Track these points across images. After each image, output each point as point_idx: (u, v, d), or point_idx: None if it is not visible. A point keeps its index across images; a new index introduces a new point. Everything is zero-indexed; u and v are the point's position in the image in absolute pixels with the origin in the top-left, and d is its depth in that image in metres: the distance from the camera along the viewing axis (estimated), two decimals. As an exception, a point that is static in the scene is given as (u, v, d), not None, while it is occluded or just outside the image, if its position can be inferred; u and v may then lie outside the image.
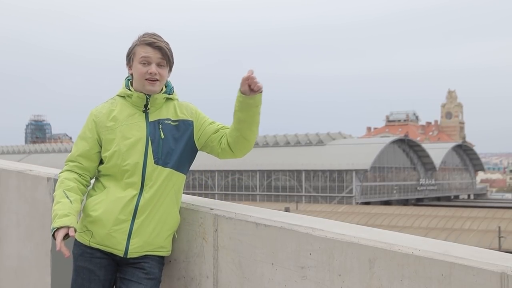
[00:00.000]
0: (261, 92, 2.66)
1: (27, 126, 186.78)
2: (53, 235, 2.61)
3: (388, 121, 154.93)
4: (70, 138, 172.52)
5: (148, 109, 2.77)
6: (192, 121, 2.83)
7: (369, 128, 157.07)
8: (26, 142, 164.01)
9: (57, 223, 2.60)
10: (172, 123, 2.79)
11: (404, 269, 2.15)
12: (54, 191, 2.78)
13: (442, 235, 34.23)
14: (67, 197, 2.69)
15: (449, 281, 2.04)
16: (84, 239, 2.75)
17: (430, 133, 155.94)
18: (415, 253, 2.13)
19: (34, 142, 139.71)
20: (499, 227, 33.15)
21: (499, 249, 29.04)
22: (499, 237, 31.96)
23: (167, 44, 2.79)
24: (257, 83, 2.63)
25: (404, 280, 2.14)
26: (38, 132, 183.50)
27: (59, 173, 2.84)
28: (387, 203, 61.95)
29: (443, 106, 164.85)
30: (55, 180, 3.61)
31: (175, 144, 2.76)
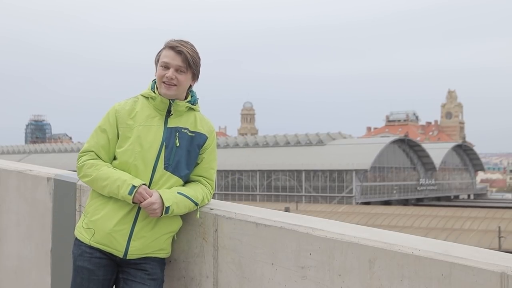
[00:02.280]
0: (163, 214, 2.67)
1: (27, 126, 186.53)
2: (134, 192, 2.62)
3: (388, 121, 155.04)
4: (70, 138, 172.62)
5: (171, 114, 2.76)
6: (207, 138, 2.84)
7: (369, 128, 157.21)
8: (26, 142, 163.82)
9: (136, 182, 2.64)
10: (189, 134, 2.78)
11: (404, 269, 2.15)
12: (54, 191, 2.77)
13: (442, 235, 34.20)
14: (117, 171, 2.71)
15: (449, 281, 2.04)
16: (85, 238, 2.75)
17: (430, 133, 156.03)
18: (415, 253, 2.13)
19: (34, 142, 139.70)
20: (499, 227, 33.12)
21: (499, 249, 29.04)
22: (499, 237, 31.93)
23: (194, 52, 2.74)
24: (151, 214, 2.65)
25: (404, 280, 2.15)
26: (38, 132, 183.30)
27: (80, 163, 2.77)
28: (387, 203, 61.89)
29: (443, 106, 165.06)
30: (55, 180, 3.61)
31: (187, 155, 2.77)
